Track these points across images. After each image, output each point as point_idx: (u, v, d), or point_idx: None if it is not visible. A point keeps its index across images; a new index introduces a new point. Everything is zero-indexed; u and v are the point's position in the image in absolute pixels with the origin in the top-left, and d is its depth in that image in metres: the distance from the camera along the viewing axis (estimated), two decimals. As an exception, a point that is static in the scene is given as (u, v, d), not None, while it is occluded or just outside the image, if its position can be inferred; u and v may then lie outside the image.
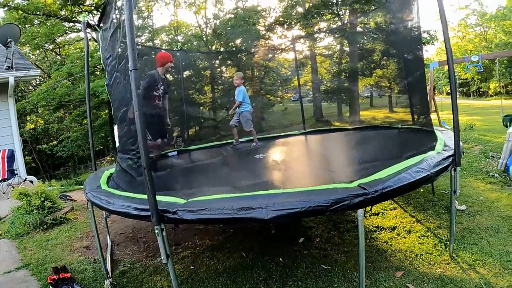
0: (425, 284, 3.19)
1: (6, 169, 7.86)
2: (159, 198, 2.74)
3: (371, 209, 4.91)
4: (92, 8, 20.45)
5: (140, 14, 22.30)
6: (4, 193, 7.65)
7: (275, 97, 20.31)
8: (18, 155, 9.07)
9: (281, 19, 20.28)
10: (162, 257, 2.68)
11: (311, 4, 19.97)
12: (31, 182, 8.80)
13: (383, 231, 4.45)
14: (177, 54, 9.40)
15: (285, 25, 20.11)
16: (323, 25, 20.79)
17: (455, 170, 3.34)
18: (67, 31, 21.41)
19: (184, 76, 9.92)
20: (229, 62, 17.12)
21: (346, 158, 4.70)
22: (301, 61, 15.37)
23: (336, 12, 18.95)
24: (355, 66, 15.37)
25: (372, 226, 4.63)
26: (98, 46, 16.53)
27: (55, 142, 25.81)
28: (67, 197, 7.37)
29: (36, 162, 24.65)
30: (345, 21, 18.48)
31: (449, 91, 3.57)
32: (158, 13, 42.17)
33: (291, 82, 18.81)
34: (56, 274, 3.64)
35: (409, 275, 3.35)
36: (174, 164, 6.34)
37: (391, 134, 6.50)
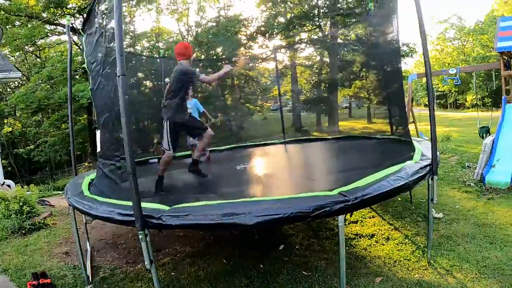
0: (404, 290, 3.28)
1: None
2: (143, 204, 2.75)
3: (351, 216, 5.00)
4: (75, 11, 20.23)
5: (123, 19, 22.03)
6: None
7: (255, 106, 20.32)
8: (-4, 159, 8.88)
9: (262, 28, 20.40)
10: (146, 263, 2.69)
11: (293, 15, 20.21)
12: (9, 186, 8.62)
13: (362, 238, 4.54)
14: (158, 60, 9.39)
15: (267, 35, 20.25)
16: (304, 36, 21.06)
17: (432, 178, 3.46)
18: (48, 34, 21.10)
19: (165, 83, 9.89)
20: (209, 70, 17.18)
21: (326, 167, 4.79)
22: (281, 70, 15.53)
23: (318, 23, 19.24)
24: (335, 77, 15.61)
25: (351, 233, 4.71)
26: (79, 50, 16.36)
27: (32, 146, 25.23)
28: (46, 203, 7.25)
29: (13, 166, 24.03)
30: (326, 33, 18.77)
31: (427, 103, 3.70)
32: (140, 19, 41.61)
33: (271, 91, 18.91)
34: (36, 280, 3.60)
35: (388, 280, 3.44)
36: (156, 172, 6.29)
37: (370, 144, 6.64)
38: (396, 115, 6.12)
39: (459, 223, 4.74)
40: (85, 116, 21.87)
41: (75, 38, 18.61)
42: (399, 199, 5.77)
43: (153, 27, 24.59)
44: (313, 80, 18.75)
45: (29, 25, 19.00)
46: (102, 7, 4.43)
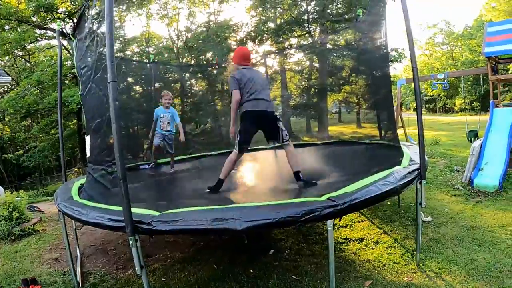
0: (392, 293, 3.32)
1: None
2: (133, 210, 2.75)
3: (340, 220, 5.03)
4: (65, 16, 20.11)
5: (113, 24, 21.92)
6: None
7: (245, 111, 20.23)
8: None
9: (252, 34, 20.48)
10: (136, 268, 2.69)
11: (282, 21, 20.35)
12: (-3, 192, 8.53)
13: (352, 242, 4.58)
14: (148, 65, 9.39)
15: (257, 40, 20.34)
16: (294, 41, 21.18)
17: (420, 183, 3.51)
18: (38, 38, 20.95)
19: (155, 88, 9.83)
20: (199, 75, 17.12)
21: (315, 173, 4.81)
22: (271, 76, 15.58)
23: (307, 29, 19.38)
24: (324, 82, 15.70)
25: (341, 238, 4.74)
26: (69, 54, 16.26)
27: (21, 152, 24.98)
28: (35, 208, 7.19)
29: (2, 172, 23.76)
30: (316, 38, 18.90)
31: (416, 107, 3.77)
32: (130, 24, 41.50)
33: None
34: (25, 286, 3.58)
35: (377, 284, 3.47)
36: (146, 177, 6.29)
37: (359, 149, 6.69)
38: (385, 120, 6.19)
39: (448, 226, 4.80)
40: (75, 121, 21.74)
41: (65, 42, 18.47)
42: (388, 203, 5.83)
43: (143, 32, 24.59)
44: (302, 85, 18.84)
45: (19, 29, 18.85)
46: (93, 11, 4.44)
